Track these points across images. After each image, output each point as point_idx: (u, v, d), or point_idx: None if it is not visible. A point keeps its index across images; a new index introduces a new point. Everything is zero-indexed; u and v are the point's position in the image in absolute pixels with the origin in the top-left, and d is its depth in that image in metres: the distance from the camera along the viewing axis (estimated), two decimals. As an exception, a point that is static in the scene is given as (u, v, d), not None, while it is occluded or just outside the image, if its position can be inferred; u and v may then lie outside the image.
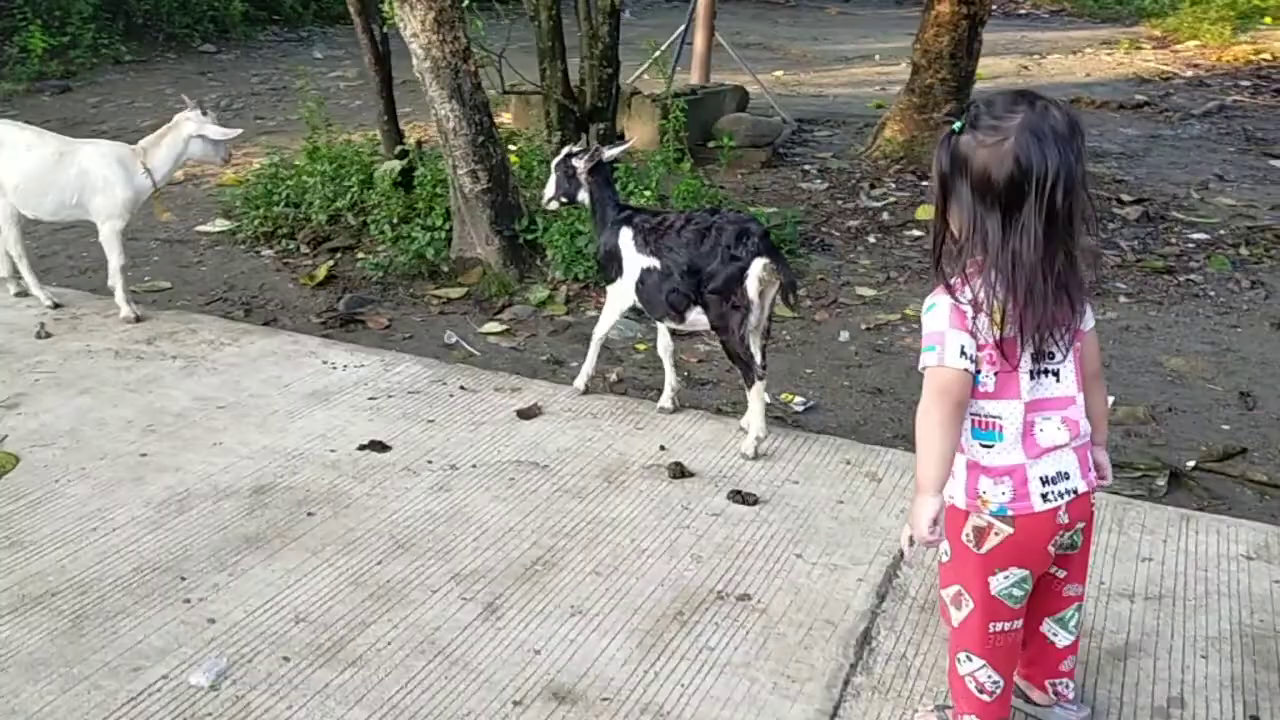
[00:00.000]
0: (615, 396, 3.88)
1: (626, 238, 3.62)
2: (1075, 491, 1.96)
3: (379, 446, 3.34)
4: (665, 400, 3.77)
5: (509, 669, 2.35)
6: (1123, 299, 5.38)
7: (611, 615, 2.53)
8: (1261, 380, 4.46)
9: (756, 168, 7.63)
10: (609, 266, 3.69)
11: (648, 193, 5.63)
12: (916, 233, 6.30)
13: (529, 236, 5.40)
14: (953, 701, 2.09)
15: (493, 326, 4.93)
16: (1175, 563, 2.90)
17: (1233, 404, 4.25)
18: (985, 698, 2.01)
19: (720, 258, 3.32)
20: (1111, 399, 4.19)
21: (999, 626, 1.98)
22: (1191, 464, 3.76)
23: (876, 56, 12.83)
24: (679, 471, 3.20)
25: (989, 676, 2.01)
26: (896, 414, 4.12)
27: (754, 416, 3.39)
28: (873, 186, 7.19)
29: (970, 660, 2.01)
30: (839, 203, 6.88)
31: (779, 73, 11.60)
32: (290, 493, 3.05)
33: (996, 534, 1.93)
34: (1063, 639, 2.10)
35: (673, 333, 3.76)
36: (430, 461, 3.26)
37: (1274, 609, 2.69)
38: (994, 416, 1.91)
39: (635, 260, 3.58)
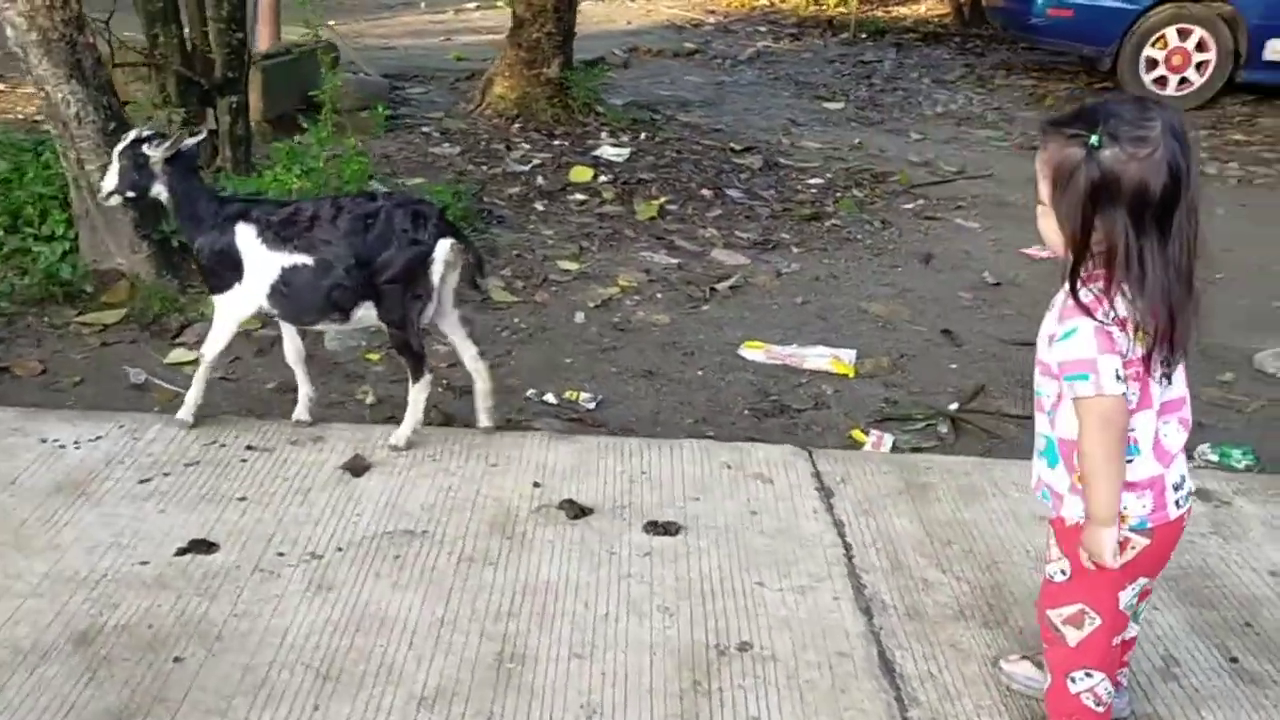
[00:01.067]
0: (437, 428, 3.40)
1: (248, 235, 3.19)
2: (1193, 493, 2.02)
3: (203, 546, 2.63)
4: (301, 412, 3.41)
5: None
6: (794, 249, 5.70)
7: (632, 709, 2.21)
8: (948, 316, 4.94)
9: (375, 134, 7.06)
10: (217, 272, 3.25)
11: (306, 177, 4.99)
12: (580, 196, 6.21)
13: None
14: None
15: (181, 355, 4.13)
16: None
17: (942, 342, 4.67)
18: (1100, 709, 2.04)
19: (397, 244, 3.10)
20: (854, 351, 4.45)
21: (1119, 638, 2.01)
22: (955, 406, 4.09)
23: (422, 4, 12.39)
24: (576, 511, 2.88)
25: (1106, 689, 2.03)
26: (681, 397, 4.05)
27: (415, 410, 3.24)
28: (508, 148, 6.96)
29: (1090, 676, 2.02)
30: (484, 168, 6.59)
31: (333, 23, 10.79)
32: (129, 634, 2.31)
33: (1134, 548, 1.94)
34: (1132, 631, 2.18)
35: (303, 335, 3.44)
36: (281, 554, 2.63)
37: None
38: (1131, 430, 1.90)
39: (268, 260, 3.17)
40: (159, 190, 3.33)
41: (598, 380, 4.13)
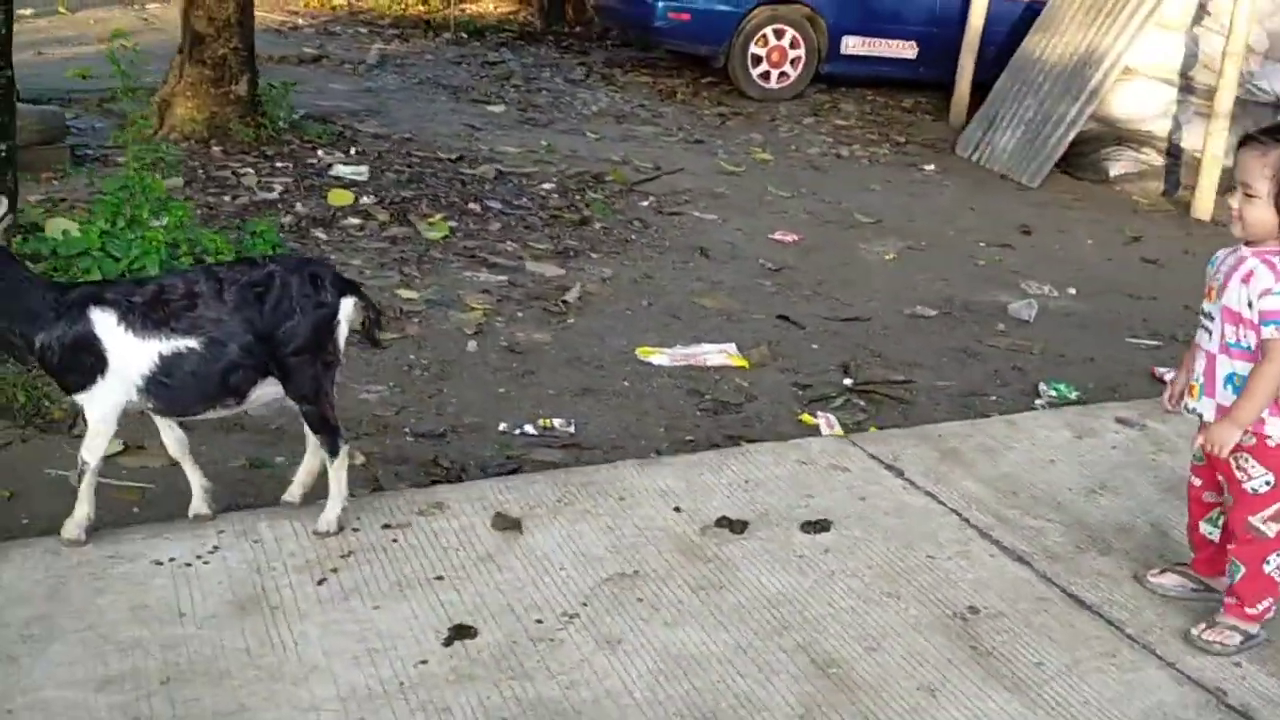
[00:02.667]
0: (512, 476, 3.31)
1: (107, 323, 2.76)
2: None
3: (461, 631, 2.46)
4: (200, 505, 3.02)
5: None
6: (591, 255, 5.97)
7: (958, 681, 2.51)
8: (767, 302, 5.52)
9: (64, 171, 6.23)
10: (75, 370, 2.78)
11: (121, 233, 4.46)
12: (355, 220, 5.98)
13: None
14: (1260, 600, 2.72)
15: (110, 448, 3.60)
16: (1070, 466, 3.76)
17: (787, 327, 5.23)
18: (1281, 582, 2.73)
19: (300, 311, 2.86)
20: (733, 344, 4.89)
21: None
22: (849, 382, 4.67)
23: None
24: (736, 526, 3.03)
25: (1284, 566, 2.73)
26: (633, 410, 4.24)
27: (339, 488, 2.97)
28: (237, 176, 6.46)
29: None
30: (228, 199, 6.09)
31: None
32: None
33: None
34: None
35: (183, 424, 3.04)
36: (540, 621, 2.54)
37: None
38: None
39: (140, 349, 2.77)
40: None
41: (544, 405, 4.20)
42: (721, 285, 5.68)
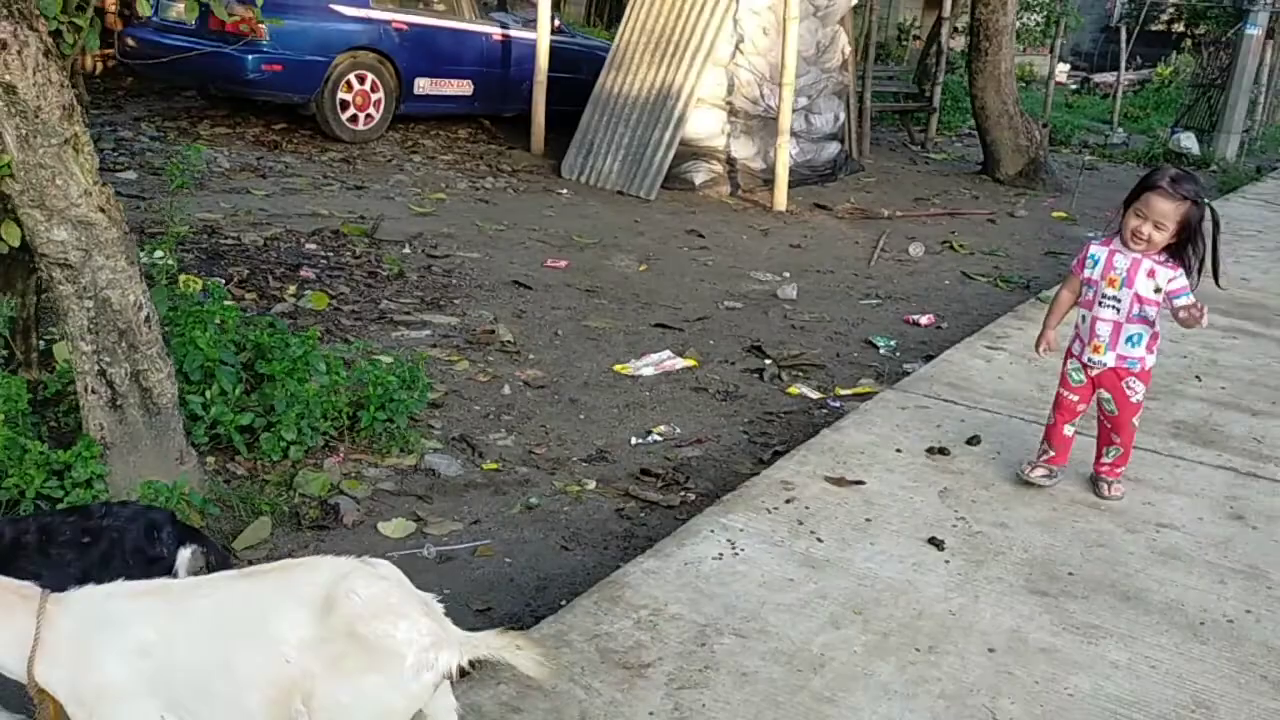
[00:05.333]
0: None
1: None
2: None
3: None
4: None
5: None
6: (456, 303, 6.56)
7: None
8: (626, 316, 6.65)
9: None
10: None
11: None
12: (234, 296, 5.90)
13: None
14: (1126, 465, 4.68)
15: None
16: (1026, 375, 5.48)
17: (672, 331, 6.43)
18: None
19: (131, 565, 2.65)
20: (667, 351, 6.02)
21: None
22: (770, 361, 6.06)
23: None
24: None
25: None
26: (695, 414, 5.25)
27: None
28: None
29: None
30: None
31: None
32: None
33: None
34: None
35: None
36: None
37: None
38: None
39: None
40: None
41: (619, 425, 5.03)
42: (577, 311, 6.65)
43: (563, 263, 7.64)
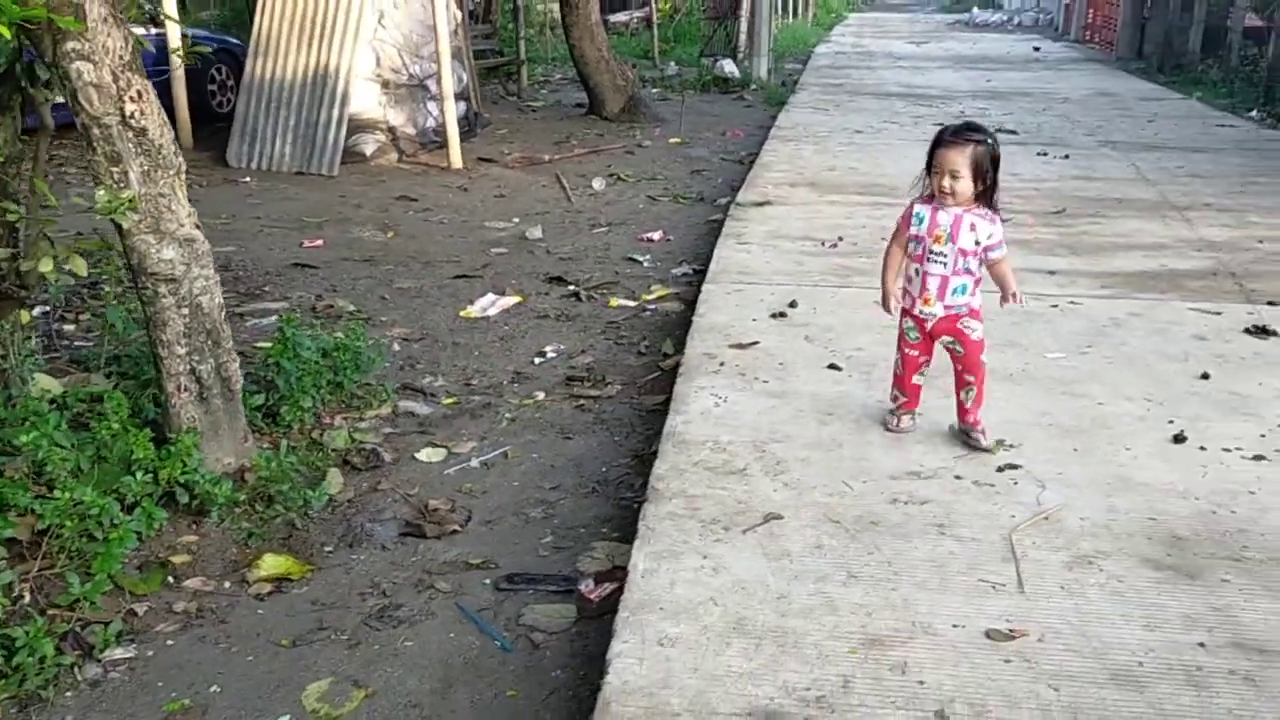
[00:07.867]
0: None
1: None
2: None
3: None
4: None
5: None
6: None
7: None
8: (524, 268, 7.34)
9: None
10: None
11: None
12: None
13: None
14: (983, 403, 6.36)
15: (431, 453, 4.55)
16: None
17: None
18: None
19: None
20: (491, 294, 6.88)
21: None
22: (573, 285, 7.08)
23: None
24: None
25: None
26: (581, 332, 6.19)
27: None
28: None
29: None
30: None
31: None
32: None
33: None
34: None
35: None
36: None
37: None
38: None
39: None
40: None
41: (511, 353, 5.88)
42: (376, 278, 7.24)
43: (318, 241, 8.05)
